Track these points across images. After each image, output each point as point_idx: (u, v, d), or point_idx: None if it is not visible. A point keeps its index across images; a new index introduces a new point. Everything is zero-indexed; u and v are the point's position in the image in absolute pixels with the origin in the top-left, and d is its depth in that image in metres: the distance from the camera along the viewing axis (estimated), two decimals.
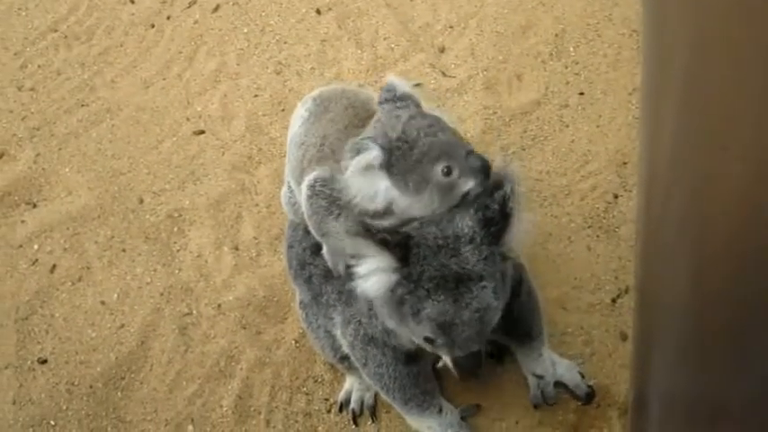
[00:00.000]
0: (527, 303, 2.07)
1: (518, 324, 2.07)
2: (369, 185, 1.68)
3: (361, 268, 1.65)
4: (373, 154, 1.65)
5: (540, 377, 2.15)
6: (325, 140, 1.88)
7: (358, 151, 1.66)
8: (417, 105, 1.78)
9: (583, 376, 2.16)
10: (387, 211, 1.72)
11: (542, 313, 2.13)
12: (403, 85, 1.81)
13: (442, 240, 1.65)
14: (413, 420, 2.13)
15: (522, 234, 1.67)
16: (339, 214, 1.73)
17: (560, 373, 2.15)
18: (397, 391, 2.02)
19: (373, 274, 1.65)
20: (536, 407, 2.17)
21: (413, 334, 1.71)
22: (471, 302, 1.62)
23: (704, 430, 1.34)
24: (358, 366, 2.06)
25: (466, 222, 1.66)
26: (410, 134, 1.68)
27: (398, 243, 1.63)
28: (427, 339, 1.69)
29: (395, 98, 1.77)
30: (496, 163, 1.68)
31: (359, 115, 1.87)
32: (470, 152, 1.71)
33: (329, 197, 1.72)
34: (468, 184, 1.70)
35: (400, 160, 1.67)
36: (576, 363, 2.19)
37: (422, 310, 1.63)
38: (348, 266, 1.75)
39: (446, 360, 1.77)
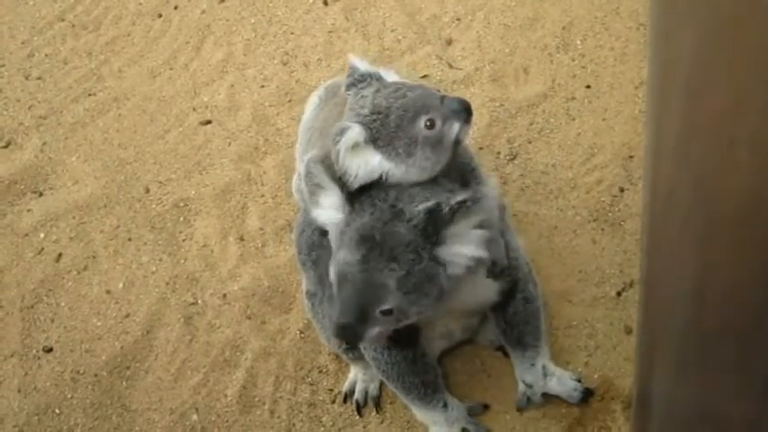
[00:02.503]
0: (521, 311, 2.05)
1: (509, 328, 2.07)
2: (362, 163, 1.70)
3: (322, 200, 1.72)
4: (356, 131, 1.68)
5: (528, 386, 2.14)
6: (327, 123, 1.91)
7: (340, 135, 1.68)
8: (379, 79, 1.80)
9: (579, 381, 2.15)
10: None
11: (542, 327, 2.11)
12: (363, 65, 1.84)
13: (387, 207, 1.66)
14: (419, 413, 2.13)
15: (461, 249, 1.65)
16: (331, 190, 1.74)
17: (550, 386, 2.13)
18: (397, 378, 2.03)
19: (329, 208, 1.71)
20: (519, 410, 2.16)
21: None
22: (368, 272, 1.62)
23: (706, 430, 1.33)
24: (364, 353, 2.07)
25: (419, 205, 1.66)
26: (380, 105, 1.71)
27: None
28: (331, 281, 1.71)
29: (356, 81, 1.80)
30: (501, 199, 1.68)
31: None
32: (444, 97, 1.73)
33: (322, 173, 1.73)
34: (455, 128, 1.73)
35: (381, 131, 1.70)
36: (572, 374, 2.17)
37: (337, 251, 1.68)
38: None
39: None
